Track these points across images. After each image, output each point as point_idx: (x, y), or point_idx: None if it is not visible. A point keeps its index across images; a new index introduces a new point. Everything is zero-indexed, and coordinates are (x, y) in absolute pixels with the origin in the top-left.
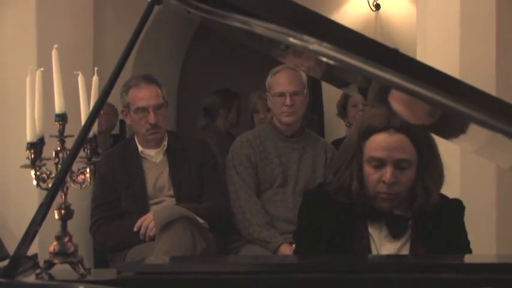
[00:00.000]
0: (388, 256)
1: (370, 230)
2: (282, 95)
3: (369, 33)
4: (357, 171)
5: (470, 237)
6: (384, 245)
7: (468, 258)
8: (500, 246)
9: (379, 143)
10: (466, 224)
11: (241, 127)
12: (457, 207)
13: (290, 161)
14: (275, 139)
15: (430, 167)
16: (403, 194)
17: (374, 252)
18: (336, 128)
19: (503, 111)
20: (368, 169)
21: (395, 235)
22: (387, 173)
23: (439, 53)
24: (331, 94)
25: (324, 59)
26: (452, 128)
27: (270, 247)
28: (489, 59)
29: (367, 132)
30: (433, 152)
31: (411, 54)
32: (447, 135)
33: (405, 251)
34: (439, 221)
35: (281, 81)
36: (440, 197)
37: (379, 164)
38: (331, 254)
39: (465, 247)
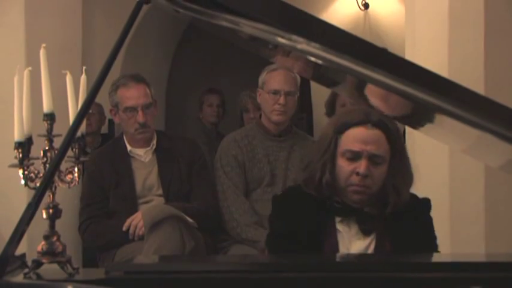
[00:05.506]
0: (377, 255)
1: (340, 227)
2: (276, 92)
3: (358, 33)
4: (330, 163)
5: (459, 236)
6: (353, 242)
7: (457, 257)
8: (489, 245)
9: (356, 136)
10: (455, 224)
11: (231, 126)
12: (424, 205)
13: (278, 160)
14: (262, 138)
15: (400, 166)
16: (373, 190)
17: (343, 249)
18: None
19: (491, 110)
20: (342, 162)
21: (365, 232)
22: (362, 165)
23: (428, 52)
24: (320, 93)
25: (312, 59)
26: (440, 126)
27: (258, 246)
28: (478, 58)
29: (344, 126)
30: (404, 151)
31: (400, 54)
32: (435, 134)
33: (372, 248)
34: (406, 219)
35: (278, 79)
36: (410, 195)
37: (354, 156)
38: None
39: (431, 243)
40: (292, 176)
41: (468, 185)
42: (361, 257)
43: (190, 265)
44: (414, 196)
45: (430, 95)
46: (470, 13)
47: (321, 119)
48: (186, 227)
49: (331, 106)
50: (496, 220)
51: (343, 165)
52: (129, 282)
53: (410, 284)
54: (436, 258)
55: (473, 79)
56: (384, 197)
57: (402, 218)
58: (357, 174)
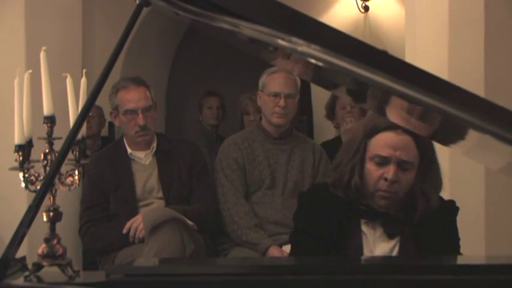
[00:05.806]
0: (378, 257)
1: (365, 229)
2: (276, 95)
3: (358, 35)
4: (359, 166)
5: (460, 238)
6: (378, 244)
7: (457, 260)
8: (489, 248)
9: (385, 141)
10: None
11: (231, 128)
12: (450, 208)
13: (278, 163)
14: (263, 141)
15: (429, 172)
16: (400, 195)
17: (367, 251)
18: (325, 129)
19: (491, 112)
20: (370, 166)
21: (390, 235)
22: (390, 170)
23: (428, 54)
24: (320, 96)
25: (313, 61)
26: (441, 129)
27: (258, 249)
28: (478, 60)
29: (373, 130)
30: (433, 157)
31: (400, 56)
32: (435, 137)
33: (397, 250)
34: (432, 222)
35: (278, 82)
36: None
37: (383, 161)
38: (326, 254)
39: (455, 246)
40: (293, 179)
41: (468, 186)
42: (359, 259)
43: (191, 268)
44: (440, 199)
45: (430, 97)
46: (470, 15)
47: (321, 121)
48: (186, 230)
49: (331, 109)
50: (496, 222)
51: (371, 170)
52: (129, 285)
53: (409, 286)
54: (436, 261)
55: (473, 81)
56: (413, 202)
57: (428, 221)
58: (385, 179)
